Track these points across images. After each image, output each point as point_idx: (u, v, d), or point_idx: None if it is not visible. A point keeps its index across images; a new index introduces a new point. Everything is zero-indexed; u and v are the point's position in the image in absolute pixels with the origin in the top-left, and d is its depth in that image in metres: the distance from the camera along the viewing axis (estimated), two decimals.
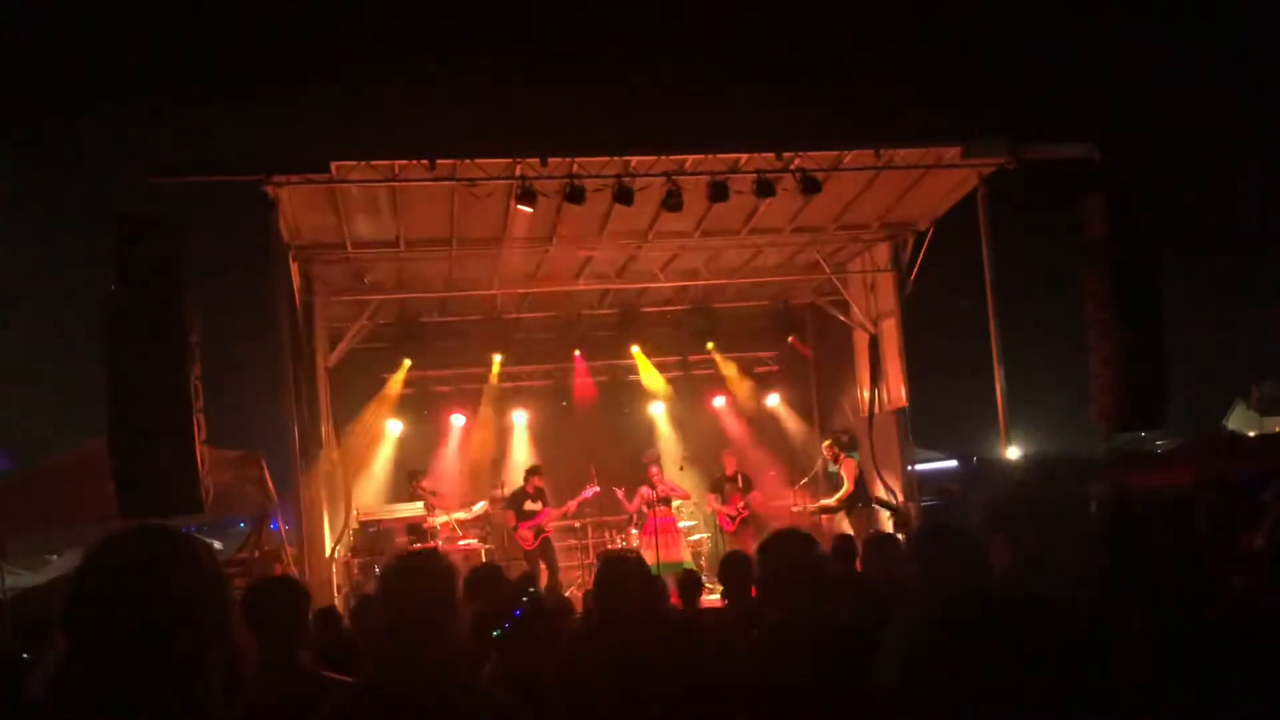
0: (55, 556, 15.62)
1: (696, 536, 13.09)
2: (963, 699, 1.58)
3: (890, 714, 1.67)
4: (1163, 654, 1.98)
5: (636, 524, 12.58)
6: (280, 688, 3.15)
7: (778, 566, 3.45)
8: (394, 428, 13.93)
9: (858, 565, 5.64)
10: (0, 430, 21.88)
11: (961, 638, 1.63)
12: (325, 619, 5.28)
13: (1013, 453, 10.76)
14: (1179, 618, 2.05)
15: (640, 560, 3.64)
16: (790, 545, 3.84)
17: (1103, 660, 1.81)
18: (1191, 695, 1.99)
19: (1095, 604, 1.91)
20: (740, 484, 12.94)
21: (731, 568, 5.14)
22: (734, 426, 15.32)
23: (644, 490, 12.55)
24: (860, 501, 12.27)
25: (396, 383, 13.64)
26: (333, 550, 10.65)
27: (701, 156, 9.92)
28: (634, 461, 13.05)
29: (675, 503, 12.73)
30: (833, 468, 12.66)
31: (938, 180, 10.99)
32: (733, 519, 12.83)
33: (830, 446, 12.68)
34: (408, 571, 2.70)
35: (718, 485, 13.15)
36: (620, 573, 3.48)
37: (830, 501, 12.35)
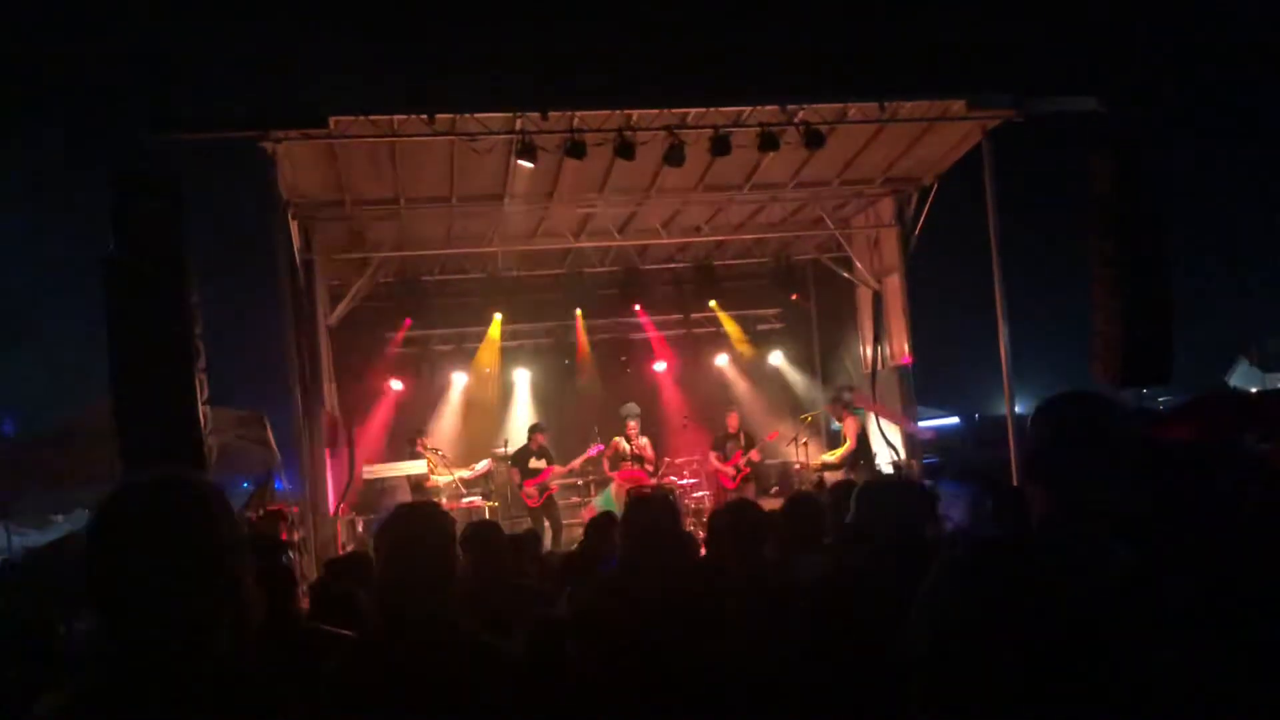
0: (61, 517, 15.70)
1: (699, 494, 13.12)
2: (996, 665, 1.57)
3: (921, 679, 1.65)
4: (1206, 611, 1.96)
5: (610, 467, 12.75)
6: (281, 642, 3.16)
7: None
8: (395, 386, 13.96)
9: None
10: (4, 393, 21.92)
11: (995, 602, 1.60)
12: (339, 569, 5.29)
13: (1017, 409, 10.73)
14: (1220, 570, 2.02)
15: (670, 500, 3.53)
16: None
17: (1144, 621, 1.78)
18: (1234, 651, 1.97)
19: (1135, 557, 1.88)
20: (742, 441, 12.96)
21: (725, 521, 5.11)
22: (736, 384, 15.34)
23: (618, 441, 12.59)
24: (862, 459, 12.28)
25: (397, 341, 13.63)
26: (337, 508, 10.68)
27: (704, 110, 9.80)
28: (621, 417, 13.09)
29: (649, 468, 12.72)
30: (835, 425, 12.66)
31: (943, 134, 10.88)
32: (734, 476, 12.86)
33: (834, 403, 12.66)
34: (402, 526, 2.68)
35: (720, 443, 13.17)
36: (651, 515, 3.34)
37: (832, 458, 12.35)
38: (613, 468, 12.80)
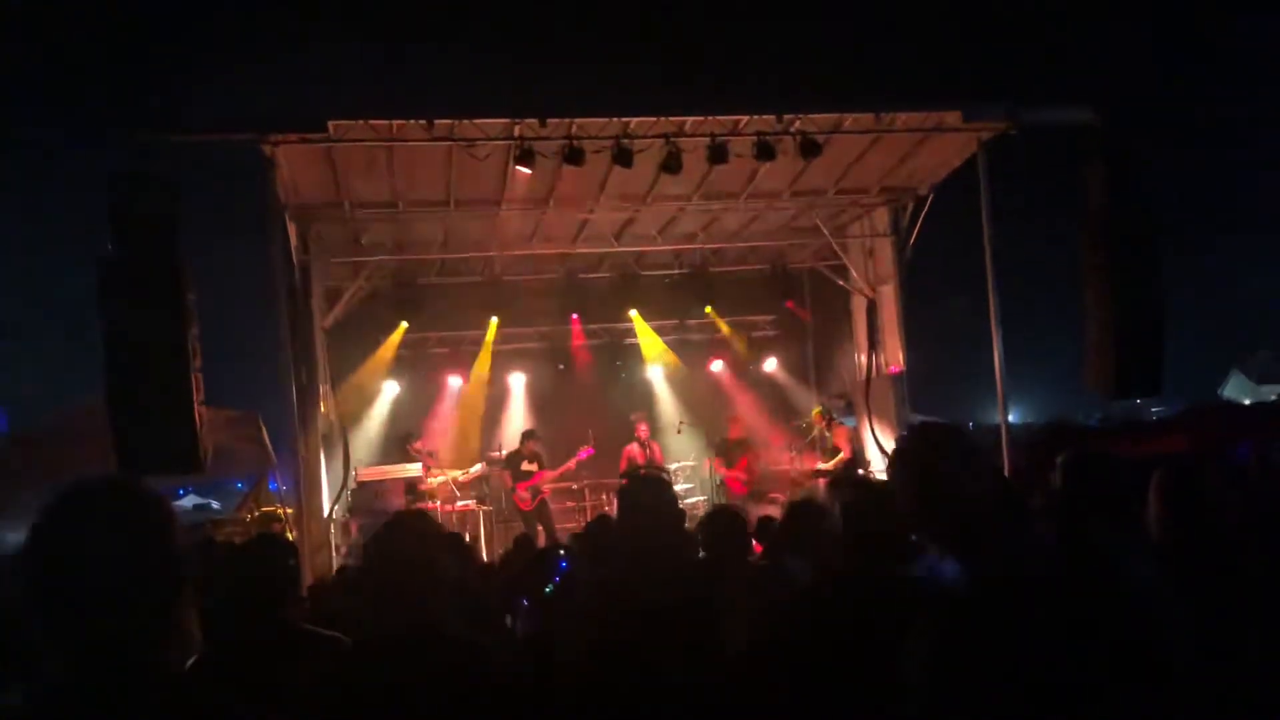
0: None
1: (693, 500, 13.15)
2: (995, 693, 1.59)
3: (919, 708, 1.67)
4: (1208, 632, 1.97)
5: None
6: (262, 642, 3.18)
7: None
8: (390, 389, 13.98)
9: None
10: None
11: (995, 633, 1.62)
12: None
13: (1011, 419, 10.78)
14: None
15: (668, 484, 3.33)
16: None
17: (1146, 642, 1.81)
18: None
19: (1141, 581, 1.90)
20: (746, 448, 13.03)
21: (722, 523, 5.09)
22: (731, 390, 15.38)
23: (632, 449, 12.60)
24: (858, 467, 12.33)
25: (393, 344, 13.66)
26: (330, 510, 10.69)
27: (701, 118, 9.86)
28: (629, 423, 13.12)
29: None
30: (826, 434, 12.71)
31: (938, 145, 10.94)
32: (744, 481, 12.90)
33: (820, 415, 12.71)
34: (392, 535, 2.69)
35: (722, 449, 13.20)
36: (646, 496, 3.10)
37: (827, 466, 12.40)
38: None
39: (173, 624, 1.70)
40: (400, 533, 2.70)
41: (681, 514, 3.13)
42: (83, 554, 1.64)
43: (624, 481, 3.25)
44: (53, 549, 1.66)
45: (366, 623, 2.70)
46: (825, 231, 13.10)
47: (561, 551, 5.19)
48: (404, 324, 13.25)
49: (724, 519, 4.34)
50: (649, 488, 3.12)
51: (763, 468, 13.14)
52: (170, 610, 1.70)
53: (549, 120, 9.38)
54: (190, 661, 2.88)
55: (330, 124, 9.04)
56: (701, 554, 4.23)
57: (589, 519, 13.07)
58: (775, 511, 7.90)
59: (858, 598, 2.83)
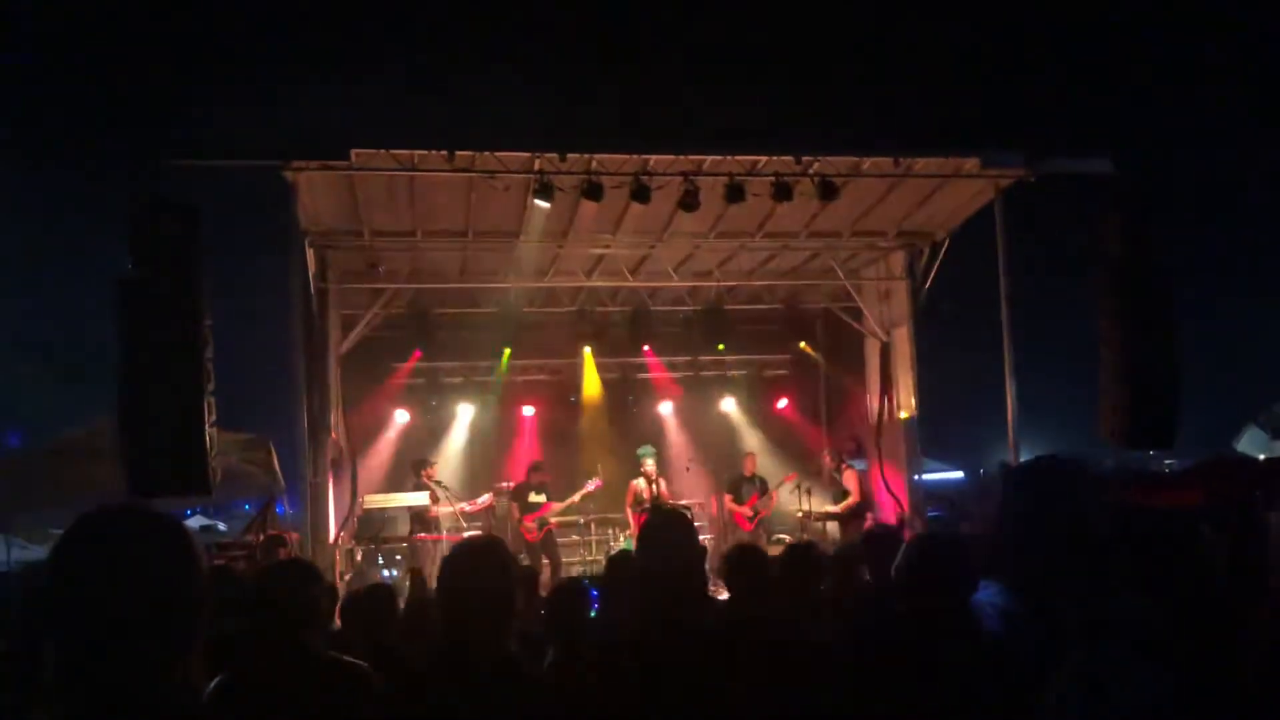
0: (60, 532, 15.70)
1: (703, 538, 13.07)
2: None
3: None
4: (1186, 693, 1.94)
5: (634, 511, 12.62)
6: (289, 668, 3.14)
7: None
8: (401, 417, 14.00)
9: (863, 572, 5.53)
10: (11, 407, 22.00)
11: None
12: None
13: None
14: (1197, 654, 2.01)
15: (689, 521, 3.22)
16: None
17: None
18: None
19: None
20: (757, 485, 12.98)
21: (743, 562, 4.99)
22: (742, 428, 15.34)
23: (636, 485, 12.52)
24: (868, 510, 12.28)
25: (406, 372, 13.69)
26: (337, 536, 10.67)
27: (720, 157, 9.92)
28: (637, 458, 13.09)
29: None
30: (835, 476, 12.64)
31: (955, 191, 10.97)
32: (750, 519, 12.85)
33: (831, 456, 12.66)
34: (465, 561, 2.69)
35: (734, 486, 13.17)
36: (667, 533, 3.06)
37: (835, 508, 12.33)
38: (636, 511, 12.63)
39: (193, 652, 1.70)
40: (482, 561, 2.68)
41: (702, 551, 3.13)
42: (102, 581, 1.63)
43: (640, 514, 3.27)
44: (72, 576, 1.65)
45: (433, 650, 2.66)
46: (840, 273, 13.11)
47: (587, 583, 5.17)
48: (418, 352, 13.27)
49: (749, 558, 4.23)
50: (671, 524, 3.12)
51: (771, 507, 13.07)
52: (191, 638, 1.70)
53: (569, 155, 9.45)
54: (211, 687, 2.87)
55: (353, 152, 9.12)
56: (726, 594, 4.16)
57: (593, 553, 13.05)
58: (777, 551, 7.85)
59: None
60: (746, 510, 12.88)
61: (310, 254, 10.55)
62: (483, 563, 2.67)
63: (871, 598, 4.92)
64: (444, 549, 10.57)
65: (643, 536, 3.12)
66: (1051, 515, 2.02)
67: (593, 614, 4.47)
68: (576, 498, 12.58)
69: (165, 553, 1.70)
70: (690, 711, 2.75)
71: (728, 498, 13.21)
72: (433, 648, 2.69)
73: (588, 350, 14.20)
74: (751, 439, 15.10)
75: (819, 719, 3.01)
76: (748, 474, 13.15)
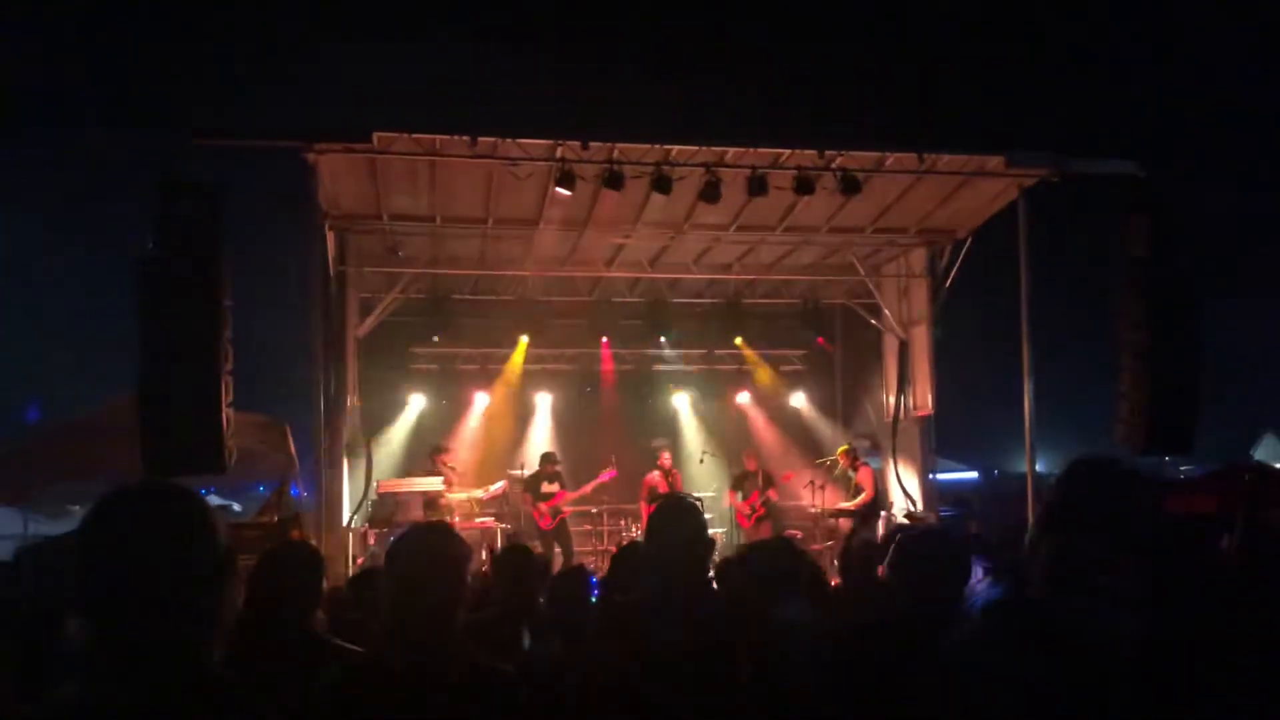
0: (78, 508, 15.81)
1: (713, 530, 13.06)
2: None
3: None
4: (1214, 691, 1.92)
5: (649, 503, 12.63)
6: (288, 650, 3.16)
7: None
8: (417, 401, 14.04)
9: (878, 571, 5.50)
10: (30, 382, 22.14)
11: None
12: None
13: (1038, 468, 10.65)
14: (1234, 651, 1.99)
15: (698, 511, 3.16)
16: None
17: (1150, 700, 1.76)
18: None
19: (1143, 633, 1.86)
20: (760, 481, 12.93)
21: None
22: (757, 422, 15.33)
23: (653, 477, 12.53)
24: (881, 508, 12.24)
25: (423, 357, 13.71)
26: (350, 519, 10.70)
27: (743, 149, 9.88)
28: (652, 450, 13.09)
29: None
30: (850, 473, 12.60)
31: (978, 189, 10.90)
32: (749, 515, 12.82)
33: (845, 453, 12.63)
34: (416, 547, 2.65)
35: (738, 482, 13.14)
36: (676, 523, 3.04)
37: (848, 505, 12.30)
38: (650, 503, 12.71)
39: (217, 624, 1.75)
40: (423, 549, 2.65)
41: (710, 543, 3.11)
42: (129, 557, 1.68)
43: (654, 506, 3.22)
44: (99, 552, 1.69)
45: (383, 637, 2.66)
46: (860, 269, 13.06)
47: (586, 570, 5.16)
48: (435, 337, 13.30)
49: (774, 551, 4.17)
50: (680, 514, 3.10)
51: (777, 503, 13.03)
52: (215, 611, 1.75)
53: (591, 143, 9.43)
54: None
55: (375, 135, 9.13)
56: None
57: (605, 543, 13.05)
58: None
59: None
60: (745, 507, 12.86)
61: (330, 237, 10.57)
62: (429, 551, 2.62)
63: (885, 596, 4.90)
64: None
65: (652, 523, 3.12)
66: (1099, 509, 1.99)
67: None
68: (590, 488, 12.59)
69: (187, 526, 1.74)
70: (690, 699, 2.74)
71: (731, 494, 13.20)
72: (379, 631, 2.68)
73: (605, 340, 14.21)
74: (765, 433, 15.08)
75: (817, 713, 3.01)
76: (749, 470, 13.12)
